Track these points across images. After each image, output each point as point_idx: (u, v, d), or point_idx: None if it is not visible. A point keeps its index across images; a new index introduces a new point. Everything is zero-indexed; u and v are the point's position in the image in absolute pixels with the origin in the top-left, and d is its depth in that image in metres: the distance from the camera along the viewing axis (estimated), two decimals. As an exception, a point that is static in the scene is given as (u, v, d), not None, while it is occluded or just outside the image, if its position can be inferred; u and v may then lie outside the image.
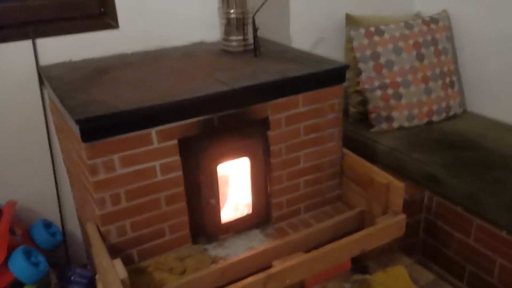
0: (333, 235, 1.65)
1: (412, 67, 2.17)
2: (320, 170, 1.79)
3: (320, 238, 1.62)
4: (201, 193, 1.59)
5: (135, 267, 1.50)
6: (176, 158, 1.47)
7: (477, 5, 2.26)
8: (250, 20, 1.84)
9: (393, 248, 1.71)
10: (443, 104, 2.23)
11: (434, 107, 2.21)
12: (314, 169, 1.77)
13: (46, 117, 1.83)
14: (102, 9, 1.84)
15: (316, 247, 1.50)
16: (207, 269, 1.44)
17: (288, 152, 1.68)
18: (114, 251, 1.43)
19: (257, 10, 1.81)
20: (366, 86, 2.17)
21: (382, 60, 2.15)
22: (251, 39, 1.86)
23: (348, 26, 2.26)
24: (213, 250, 1.62)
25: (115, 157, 1.37)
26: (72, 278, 1.82)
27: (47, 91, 1.76)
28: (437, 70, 2.21)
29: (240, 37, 1.87)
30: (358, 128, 2.26)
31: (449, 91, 2.25)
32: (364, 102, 2.23)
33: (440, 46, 2.23)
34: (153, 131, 1.40)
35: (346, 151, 1.82)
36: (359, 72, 2.18)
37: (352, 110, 2.32)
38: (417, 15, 2.43)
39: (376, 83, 2.15)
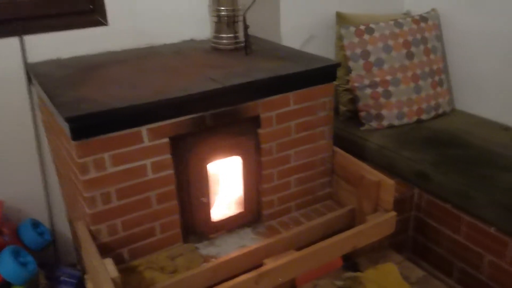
0: (324, 233, 1.66)
1: (402, 66, 2.18)
2: (311, 168, 1.79)
3: (311, 236, 1.63)
4: (192, 192, 1.58)
5: (126, 266, 1.49)
6: (167, 156, 1.46)
7: (466, 4, 2.28)
8: (240, 18, 1.83)
9: (384, 246, 1.72)
10: (433, 103, 2.25)
11: (424, 105, 2.22)
12: (305, 167, 1.77)
13: (34, 115, 1.80)
14: (91, 5, 1.82)
15: (307, 245, 1.50)
16: (198, 268, 1.44)
17: (279, 150, 1.68)
18: (104, 250, 1.42)
19: (248, 8, 1.81)
20: (356, 84, 2.18)
21: (372, 58, 2.16)
22: (241, 37, 1.86)
23: (339, 24, 2.27)
24: (204, 249, 1.62)
25: (106, 156, 1.36)
26: (61, 278, 1.80)
27: (36, 88, 1.74)
28: (427, 69, 2.23)
29: (231, 35, 1.86)
30: (348, 127, 2.27)
31: (438, 89, 2.27)
32: (354, 100, 2.23)
33: (429, 45, 2.25)
34: (144, 129, 1.39)
35: (336, 149, 1.83)
36: (349, 71, 2.18)
37: (342, 108, 2.32)
38: (407, 14, 2.45)
39: (366, 82, 2.16)
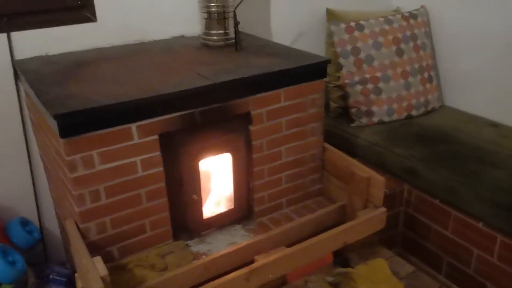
0: (315, 229, 1.66)
1: (392, 62, 2.19)
2: (302, 165, 1.79)
3: (302, 233, 1.63)
4: (182, 189, 1.58)
5: (116, 264, 1.48)
6: (157, 154, 1.45)
7: (455, 1, 2.29)
8: (231, 14, 1.83)
9: (374, 242, 1.73)
10: (422, 99, 2.26)
11: (413, 101, 2.24)
12: (295, 163, 1.77)
13: (22, 113, 1.78)
14: (79, 1, 1.79)
15: (298, 242, 1.51)
16: (189, 265, 1.43)
17: (270, 147, 1.68)
18: (94, 248, 1.41)
19: (238, 4, 1.80)
20: (346, 81, 2.19)
21: (362, 55, 2.16)
22: (232, 33, 1.85)
23: (329, 21, 2.27)
24: (195, 246, 1.61)
25: (94, 153, 1.34)
26: (50, 276, 1.79)
27: (23, 85, 1.71)
28: (416, 65, 2.24)
29: (221, 32, 1.85)
30: (339, 123, 2.27)
31: (428, 85, 2.28)
32: (345, 97, 2.24)
33: (419, 42, 2.26)
34: (133, 126, 1.38)
35: (327, 145, 1.83)
36: (339, 67, 2.19)
37: (332, 105, 2.33)
38: (397, 11, 2.46)
39: (357, 78, 2.17)
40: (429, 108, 2.30)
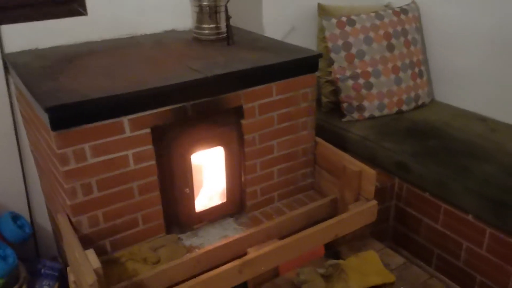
0: (306, 222, 1.67)
1: (383, 57, 2.20)
2: (293, 159, 1.80)
3: (294, 226, 1.64)
4: (175, 182, 1.58)
5: (108, 258, 1.48)
6: (149, 147, 1.45)
7: (445, -4, 2.31)
8: (222, 8, 1.82)
9: (365, 234, 1.75)
10: (412, 94, 2.28)
11: (404, 96, 2.25)
12: (287, 157, 1.78)
13: (12, 107, 1.76)
14: (70, -5, 1.79)
15: (290, 235, 1.52)
16: (181, 258, 1.44)
17: (262, 141, 1.69)
18: (86, 242, 1.41)
19: (230, -2, 1.80)
20: (338, 76, 2.20)
21: (354, 50, 2.17)
22: (223, 28, 1.85)
23: (320, 16, 2.28)
24: (187, 239, 1.62)
25: (86, 146, 1.34)
26: (42, 271, 1.78)
27: (13, 79, 1.70)
28: (407, 60, 2.26)
29: (213, 26, 1.85)
30: (330, 118, 2.29)
31: (418, 81, 2.30)
32: (336, 92, 2.25)
33: (409, 37, 2.28)
34: (125, 120, 1.38)
35: (318, 139, 1.84)
36: (331, 62, 2.20)
37: (324, 100, 2.34)
38: (388, 6, 2.47)
39: (348, 73, 2.18)
40: (420, 103, 2.32)
